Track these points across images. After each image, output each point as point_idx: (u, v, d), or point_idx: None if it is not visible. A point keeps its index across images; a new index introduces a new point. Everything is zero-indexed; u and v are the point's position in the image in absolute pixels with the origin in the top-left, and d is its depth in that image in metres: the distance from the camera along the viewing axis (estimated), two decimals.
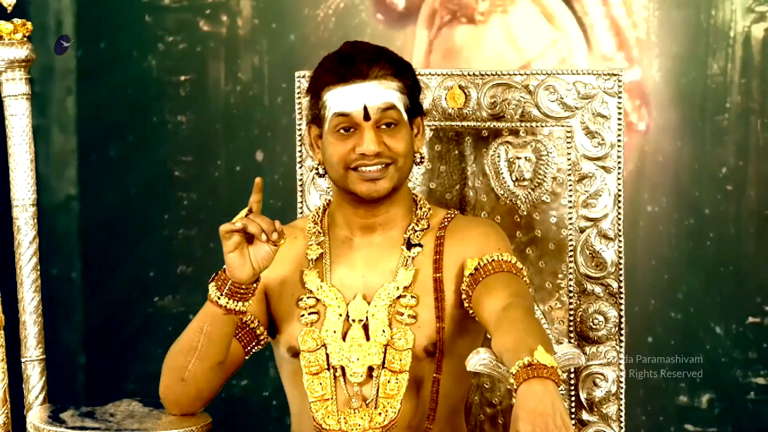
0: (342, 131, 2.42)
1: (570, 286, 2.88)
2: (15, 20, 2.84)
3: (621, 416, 2.88)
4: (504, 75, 2.91)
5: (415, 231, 2.51)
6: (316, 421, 2.43)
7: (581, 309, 2.87)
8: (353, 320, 2.43)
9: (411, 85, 2.48)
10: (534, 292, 2.86)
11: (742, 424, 4.19)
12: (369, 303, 2.44)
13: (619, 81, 2.86)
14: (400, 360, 2.40)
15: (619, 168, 2.86)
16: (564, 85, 2.87)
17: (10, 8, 2.84)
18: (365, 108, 2.39)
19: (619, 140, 2.86)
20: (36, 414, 2.71)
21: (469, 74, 2.92)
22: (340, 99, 2.40)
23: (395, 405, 2.40)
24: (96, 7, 4.35)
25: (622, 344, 2.87)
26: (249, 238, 2.32)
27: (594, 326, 2.87)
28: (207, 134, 4.35)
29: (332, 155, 2.44)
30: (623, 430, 2.89)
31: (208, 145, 4.35)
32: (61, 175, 4.39)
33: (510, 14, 4.23)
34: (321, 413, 2.42)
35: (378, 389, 2.41)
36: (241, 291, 2.34)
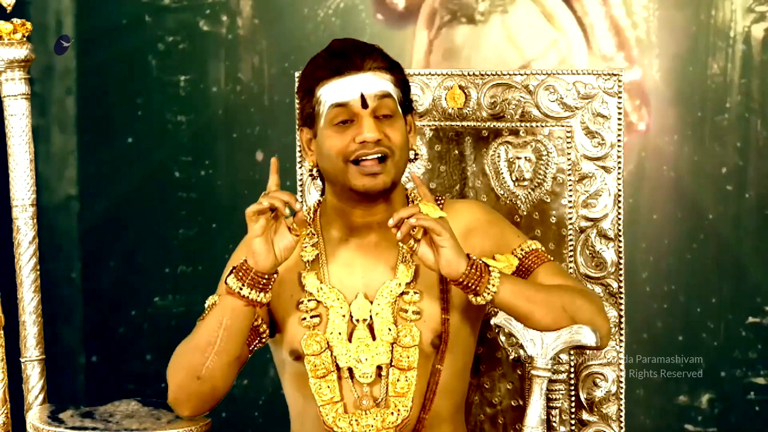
0: (340, 124, 2.40)
1: None
2: (15, 20, 2.84)
3: (621, 416, 2.88)
4: (504, 75, 2.91)
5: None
6: (327, 425, 2.42)
7: None
8: (357, 320, 2.43)
9: (402, 80, 2.48)
10: None
11: (742, 424, 4.19)
12: (371, 302, 2.43)
13: (619, 81, 2.86)
14: (408, 357, 2.39)
15: (619, 168, 2.86)
16: (564, 85, 2.87)
17: (9, 8, 2.84)
18: (362, 96, 2.38)
19: (619, 140, 2.86)
20: (36, 414, 2.71)
21: (469, 74, 2.92)
22: (337, 91, 2.39)
23: (407, 404, 2.40)
24: (96, 6, 4.35)
25: (622, 344, 2.87)
26: (274, 220, 2.31)
27: None
28: (207, 134, 4.35)
29: (330, 149, 2.42)
30: (623, 430, 2.88)
31: (208, 145, 4.35)
32: (61, 175, 4.39)
33: (510, 14, 4.23)
34: (332, 416, 2.41)
35: (388, 388, 2.40)
36: (264, 281, 2.32)
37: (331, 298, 2.45)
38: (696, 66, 4.16)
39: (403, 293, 2.44)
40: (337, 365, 2.42)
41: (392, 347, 2.40)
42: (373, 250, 2.47)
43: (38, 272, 2.87)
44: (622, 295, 2.86)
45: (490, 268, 2.32)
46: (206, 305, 2.42)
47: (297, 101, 2.69)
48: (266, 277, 2.32)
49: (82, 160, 4.38)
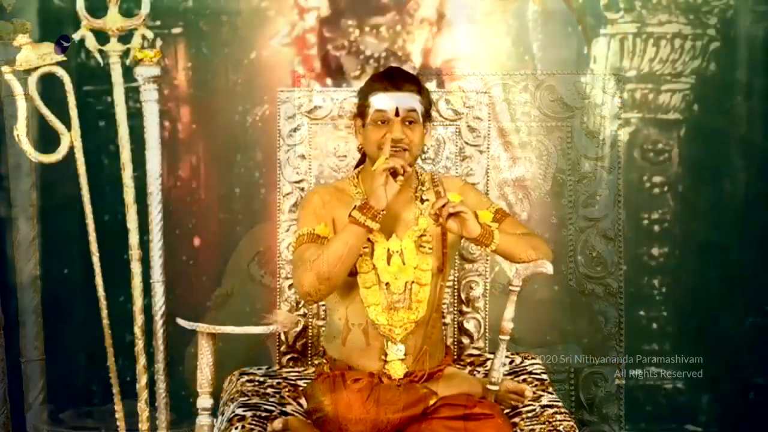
0: (379, 123, 3.38)
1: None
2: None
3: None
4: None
5: (423, 191, 3.46)
6: (371, 318, 3.40)
7: None
8: (392, 251, 3.43)
9: (427, 99, 3.39)
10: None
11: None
12: (401, 240, 3.43)
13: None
14: (425, 277, 3.41)
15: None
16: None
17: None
18: (397, 108, 3.36)
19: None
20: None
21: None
22: (381, 101, 3.38)
23: (423, 307, 3.42)
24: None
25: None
26: (393, 175, 3.27)
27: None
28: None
29: (371, 138, 3.39)
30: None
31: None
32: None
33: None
34: (374, 313, 3.41)
35: (411, 296, 3.43)
36: (379, 215, 3.27)
37: (376, 235, 3.40)
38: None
39: (421, 235, 3.42)
40: (379, 280, 3.42)
41: (414, 270, 3.41)
42: (400, 205, 3.44)
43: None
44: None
45: (492, 229, 3.29)
46: (301, 233, 3.34)
47: (357, 100, 3.50)
48: (381, 212, 3.27)
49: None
